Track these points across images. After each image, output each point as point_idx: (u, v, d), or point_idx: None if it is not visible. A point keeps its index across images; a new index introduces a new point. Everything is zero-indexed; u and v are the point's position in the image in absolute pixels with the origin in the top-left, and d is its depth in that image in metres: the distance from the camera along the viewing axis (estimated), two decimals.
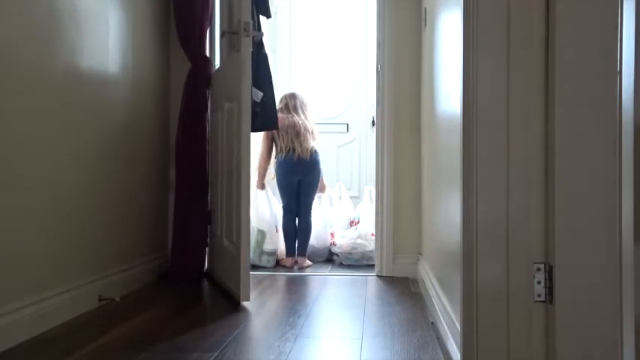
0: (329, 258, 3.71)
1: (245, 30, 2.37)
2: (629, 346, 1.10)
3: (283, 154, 3.53)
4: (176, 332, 1.97)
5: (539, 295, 1.22)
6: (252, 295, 2.46)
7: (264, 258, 3.45)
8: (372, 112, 4.08)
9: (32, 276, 1.91)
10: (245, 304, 2.36)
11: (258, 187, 3.58)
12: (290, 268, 3.41)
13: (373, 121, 3.64)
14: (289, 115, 3.56)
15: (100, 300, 2.29)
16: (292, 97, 3.67)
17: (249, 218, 2.44)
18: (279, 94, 3.45)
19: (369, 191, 3.82)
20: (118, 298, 2.35)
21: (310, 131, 3.58)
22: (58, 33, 2.04)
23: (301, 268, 3.42)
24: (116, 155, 2.51)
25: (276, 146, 3.58)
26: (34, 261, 1.92)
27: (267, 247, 3.48)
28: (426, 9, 2.84)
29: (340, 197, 4.00)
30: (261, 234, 3.43)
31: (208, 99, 3.05)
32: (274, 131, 3.48)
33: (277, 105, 3.46)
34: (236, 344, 1.83)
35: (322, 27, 4.90)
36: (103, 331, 1.96)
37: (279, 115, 3.45)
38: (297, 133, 3.53)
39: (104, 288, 2.34)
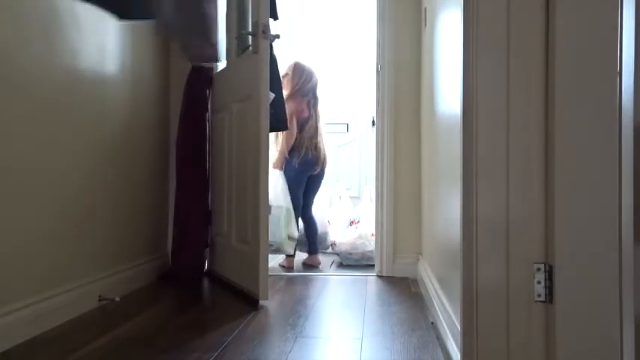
0: (327, 246, 3.73)
1: (264, 32, 2.39)
2: (629, 346, 1.10)
3: (298, 150, 3.49)
4: (177, 332, 1.97)
5: (539, 295, 1.22)
6: None
7: (288, 243, 3.37)
8: (372, 112, 4.08)
9: (32, 276, 1.91)
10: (263, 302, 2.39)
11: (277, 167, 3.47)
12: (289, 269, 3.41)
13: (373, 121, 3.64)
14: (310, 111, 3.54)
15: (100, 300, 2.29)
16: (312, 78, 3.55)
17: (267, 218, 2.46)
18: None
19: (369, 191, 3.82)
20: (118, 298, 2.35)
21: (321, 134, 3.60)
22: (57, 33, 2.04)
23: (315, 266, 3.44)
24: (116, 155, 2.51)
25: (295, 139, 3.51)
26: (34, 261, 1.92)
27: (294, 231, 3.41)
28: (426, 9, 2.84)
29: (340, 197, 4.00)
30: (289, 213, 3.33)
31: (209, 99, 3.06)
32: (296, 122, 3.47)
33: (297, 90, 3.45)
34: (235, 344, 1.83)
35: (322, 27, 4.91)
36: (103, 331, 1.97)
37: (301, 106, 3.47)
38: (315, 135, 3.54)
39: (104, 288, 2.34)
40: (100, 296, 2.29)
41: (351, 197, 4.12)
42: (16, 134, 1.82)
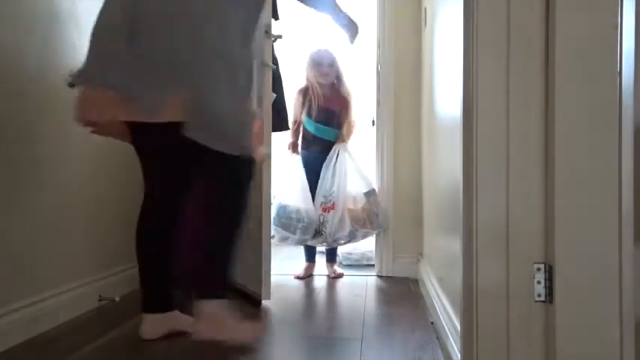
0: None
1: (267, 32, 2.38)
2: (629, 346, 1.10)
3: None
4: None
5: (539, 295, 1.22)
6: None
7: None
8: (372, 112, 4.08)
9: (32, 276, 1.91)
10: (265, 302, 2.39)
11: (345, 140, 3.35)
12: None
13: (373, 121, 3.64)
14: None
15: (100, 300, 2.29)
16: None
17: (270, 218, 2.46)
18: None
19: None
20: (118, 298, 2.35)
21: None
22: (58, 33, 2.04)
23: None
24: (116, 154, 2.51)
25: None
26: (35, 261, 1.92)
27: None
28: (426, 9, 2.84)
29: None
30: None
31: None
32: None
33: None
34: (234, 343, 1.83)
35: (322, 27, 4.91)
36: (103, 331, 1.96)
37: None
38: None
39: (104, 288, 2.34)
40: (100, 296, 2.29)
41: None
42: (15, 133, 1.82)
